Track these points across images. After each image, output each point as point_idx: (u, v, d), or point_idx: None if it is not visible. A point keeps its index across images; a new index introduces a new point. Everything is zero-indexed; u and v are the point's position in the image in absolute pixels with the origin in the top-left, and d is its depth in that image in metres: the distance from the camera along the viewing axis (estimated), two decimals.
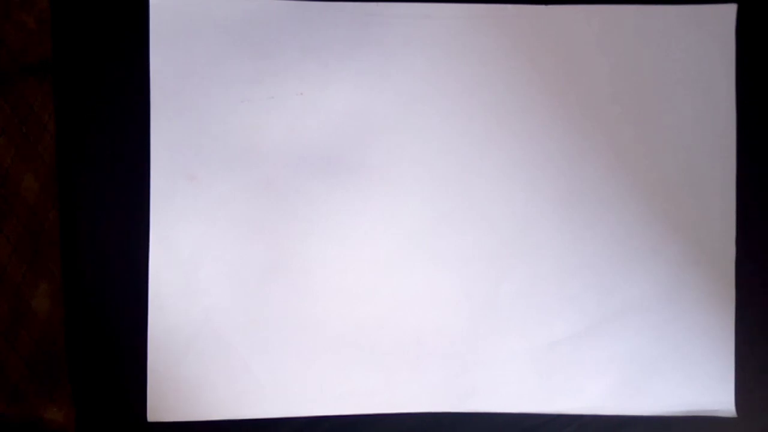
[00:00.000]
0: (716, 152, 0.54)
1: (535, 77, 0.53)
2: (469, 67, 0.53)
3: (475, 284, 0.53)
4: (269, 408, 0.52)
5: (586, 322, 0.53)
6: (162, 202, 0.52)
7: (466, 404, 0.53)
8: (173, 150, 0.52)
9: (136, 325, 0.52)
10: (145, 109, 0.52)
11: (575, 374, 0.53)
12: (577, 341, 0.53)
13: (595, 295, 0.53)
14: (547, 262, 0.53)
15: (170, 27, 0.52)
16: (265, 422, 0.52)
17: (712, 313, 0.53)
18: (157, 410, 0.52)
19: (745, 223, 0.54)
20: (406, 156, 0.53)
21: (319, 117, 0.53)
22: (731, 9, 0.54)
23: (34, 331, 0.52)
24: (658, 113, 0.53)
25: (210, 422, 0.52)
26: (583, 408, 0.53)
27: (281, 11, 0.53)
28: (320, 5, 0.53)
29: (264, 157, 0.52)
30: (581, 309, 0.53)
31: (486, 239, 0.53)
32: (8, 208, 0.52)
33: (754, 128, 0.54)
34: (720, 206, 0.54)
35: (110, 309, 0.52)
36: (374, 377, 0.53)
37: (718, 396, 0.53)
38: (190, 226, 0.52)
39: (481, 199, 0.53)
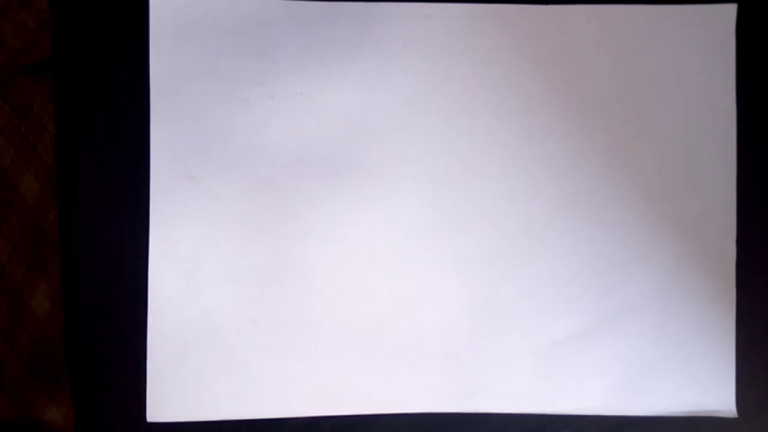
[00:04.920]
0: (716, 152, 0.54)
1: (536, 77, 0.53)
2: (469, 67, 0.53)
3: (476, 284, 0.53)
4: (269, 408, 0.52)
5: (586, 322, 0.53)
6: (162, 202, 0.52)
7: (466, 405, 0.53)
8: (173, 150, 0.52)
9: (136, 325, 0.52)
10: (145, 109, 0.52)
11: (576, 374, 0.53)
12: (578, 341, 0.53)
13: (595, 295, 0.53)
14: (548, 262, 0.53)
15: (170, 27, 0.52)
16: (265, 422, 0.52)
17: (713, 313, 0.53)
18: (157, 411, 0.52)
19: (746, 224, 0.54)
20: (406, 156, 0.53)
21: (319, 117, 0.53)
22: (731, 9, 0.54)
23: (34, 331, 0.52)
24: (659, 113, 0.53)
25: (210, 422, 0.52)
26: (583, 408, 0.53)
27: (281, 11, 0.53)
28: (320, 5, 0.53)
29: (264, 157, 0.52)
30: (582, 309, 0.53)
31: (487, 239, 0.53)
32: (8, 208, 0.52)
33: (754, 128, 0.54)
34: (720, 206, 0.54)
35: (110, 309, 0.52)
36: (374, 377, 0.53)
37: (718, 396, 0.53)
38: (190, 226, 0.52)
39: (482, 199, 0.53)
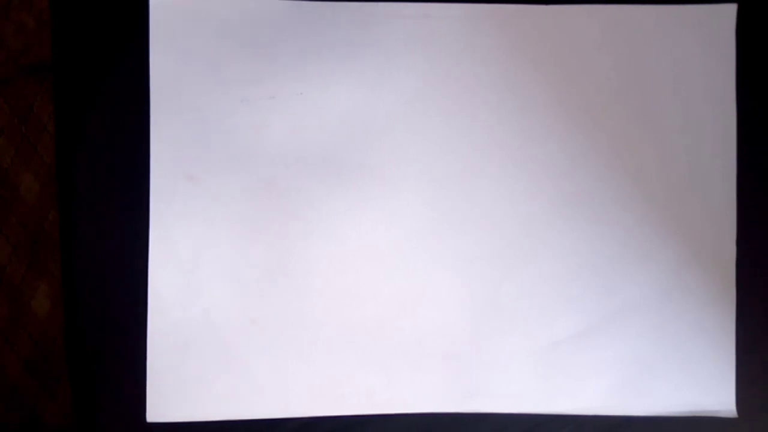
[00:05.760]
0: (716, 152, 0.54)
1: (536, 77, 0.53)
2: (469, 67, 0.53)
3: (476, 284, 0.53)
4: (269, 408, 0.52)
5: (586, 322, 0.53)
6: (162, 202, 0.52)
7: (466, 404, 0.53)
8: (173, 150, 0.52)
9: (136, 325, 0.52)
10: (145, 109, 0.52)
11: (576, 374, 0.53)
12: (578, 341, 0.53)
13: (595, 295, 0.53)
14: (548, 262, 0.53)
15: (170, 27, 0.52)
16: (264, 422, 0.52)
17: (713, 313, 0.53)
18: (157, 411, 0.52)
19: (745, 223, 0.54)
20: (406, 156, 0.53)
21: (320, 117, 0.53)
22: (731, 9, 0.54)
23: (34, 332, 0.52)
24: (659, 113, 0.53)
25: (210, 422, 0.52)
26: (583, 408, 0.53)
27: (281, 11, 0.53)
28: (321, 5, 0.53)
29: (264, 157, 0.52)
30: (582, 309, 0.53)
31: (487, 239, 0.53)
32: (8, 208, 0.52)
33: (754, 128, 0.54)
34: (720, 206, 0.54)
35: (110, 309, 0.52)
36: (374, 377, 0.53)
37: (718, 396, 0.53)
38: (190, 226, 0.52)
39: (482, 199, 0.53)
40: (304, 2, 0.53)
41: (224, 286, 0.52)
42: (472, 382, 0.53)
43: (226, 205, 0.52)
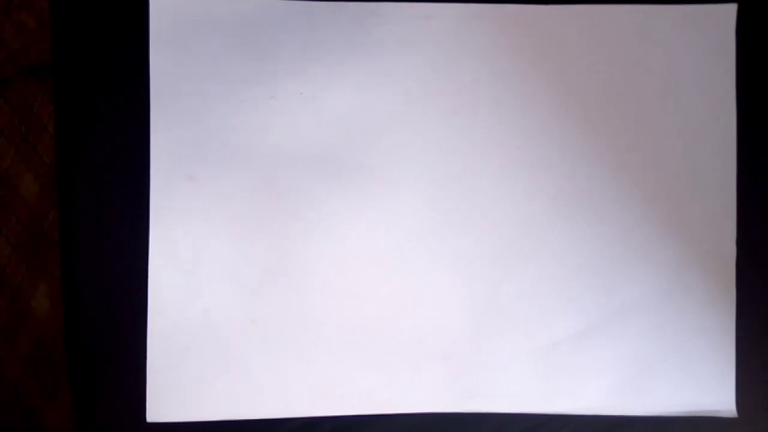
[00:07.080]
0: (716, 152, 0.54)
1: (536, 77, 0.53)
2: (469, 67, 0.53)
3: (476, 284, 0.53)
4: (269, 408, 0.52)
5: (586, 322, 0.53)
6: (162, 202, 0.52)
7: (466, 404, 0.53)
8: (173, 150, 0.52)
9: (136, 325, 0.52)
10: (145, 109, 0.52)
11: (576, 374, 0.53)
12: (578, 341, 0.53)
13: (595, 295, 0.53)
14: (548, 262, 0.53)
15: (170, 27, 0.52)
16: (264, 422, 0.52)
17: (713, 313, 0.53)
18: (157, 411, 0.52)
19: (745, 223, 0.54)
20: (406, 156, 0.53)
21: (320, 117, 0.53)
22: (731, 9, 0.54)
23: (34, 331, 0.52)
24: (659, 113, 0.53)
25: (209, 422, 0.52)
26: (583, 408, 0.53)
27: (281, 11, 0.53)
28: (321, 5, 0.53)
29: (264, 157, 0.52)
30: (582, 309, 0.53)
31: (487, 239, 0.53)
32: (8, 208, 0.52)
33: (754, 128, 0.54)
34: (720, 206, 0.54)
35: (110, 309, 0.52)
36: (374, 377, 0.53)
37: (719, 396, 0.53)
38: (190, 226, 0.52)
39: (482, 199, 0.53)
40: (304, 2, 0.53)
41: (224, 286, 0.52)
42: (472, 382, 0.53)
43: (226, 205, 0.52)
